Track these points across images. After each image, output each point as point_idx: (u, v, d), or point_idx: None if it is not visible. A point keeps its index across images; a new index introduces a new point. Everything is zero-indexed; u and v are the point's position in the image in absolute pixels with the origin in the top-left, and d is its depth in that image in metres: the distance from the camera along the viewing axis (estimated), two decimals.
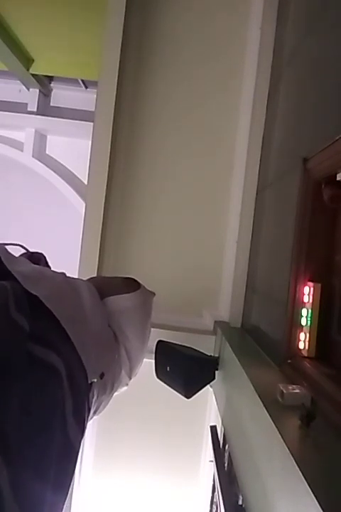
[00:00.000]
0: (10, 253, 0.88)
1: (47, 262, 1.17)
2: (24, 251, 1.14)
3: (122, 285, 1.09)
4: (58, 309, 0.77)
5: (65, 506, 0.67)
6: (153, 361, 1.45)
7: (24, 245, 1.12)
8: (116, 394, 1.01)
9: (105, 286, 1.04)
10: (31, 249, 1.15)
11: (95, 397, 0.85)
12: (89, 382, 0.80)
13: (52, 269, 1.14)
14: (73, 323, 0.79)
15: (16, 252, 1.03)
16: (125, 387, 1.09)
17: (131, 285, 1.08)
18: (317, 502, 0.51)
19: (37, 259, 1.12)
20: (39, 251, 1.16)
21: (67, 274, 0.98)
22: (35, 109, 4.02)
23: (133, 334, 1.03)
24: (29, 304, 0.72)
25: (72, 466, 0.69)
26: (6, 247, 0.89)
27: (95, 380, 0.83)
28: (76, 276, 1.21)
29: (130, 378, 1.07)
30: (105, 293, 1.00)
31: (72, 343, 0.76)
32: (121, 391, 1.07)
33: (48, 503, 0.60)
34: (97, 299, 0.96)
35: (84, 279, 1.09)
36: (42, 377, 0.65)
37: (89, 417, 0.83)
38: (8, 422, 0.56)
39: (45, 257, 1.17)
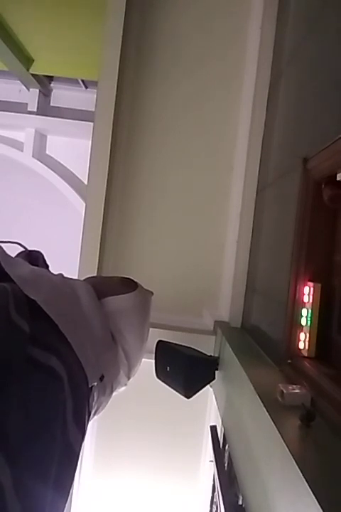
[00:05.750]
0: (8, 255, 0.88)
1: (45, 261, 1.16)
2: (22, 249, 1.13)
3: (120, 285, 1.07)
4: (57, 314, 0.76)
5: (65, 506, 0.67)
6: (153, 361, 1.45)
7: (22, 243, 1.12)
8: (114, 394, 1.01)
9: (102, 287, 1.03)
10: (29, 248, 1.15)
11: (95, 400, 0.85)
12: (90, 386, 0.79)
13: (50, 268, 1.14)
14: (72, 327, 0.79)
15: (14, 250, 1.02)
16: (124, 387, 1.08)
17: (128, 285, 1.07)
18: (317, 502, 0.51)
19: (35, 257, 1.11)
20: (37, 249, 1.16)
21: (65, 275, 0.97)
22: (35, 109, 4.02)
23: (131, 334, 1.02)
24: (29, 306, 0.71)
25: (73, 468, 0.69)
26: (4, 244, 0.89)
27: (95, 384, 0.82)
28: (76, 277, 1.21)
29: (128, 378, 1.06)
30: (102, 293, 0.99)
31: (72, 346, 0.76)
32: (119, 391, 1.07)
33: (49, 503, 0.60)
34: (95, 300, 0.95)
35: (82, 279, 1.08)
36: (42, 381, 0.65)
37: (89, 419, 0.83)
38: (9, 423, 0.56)
39: (42, 256, 1.16)
